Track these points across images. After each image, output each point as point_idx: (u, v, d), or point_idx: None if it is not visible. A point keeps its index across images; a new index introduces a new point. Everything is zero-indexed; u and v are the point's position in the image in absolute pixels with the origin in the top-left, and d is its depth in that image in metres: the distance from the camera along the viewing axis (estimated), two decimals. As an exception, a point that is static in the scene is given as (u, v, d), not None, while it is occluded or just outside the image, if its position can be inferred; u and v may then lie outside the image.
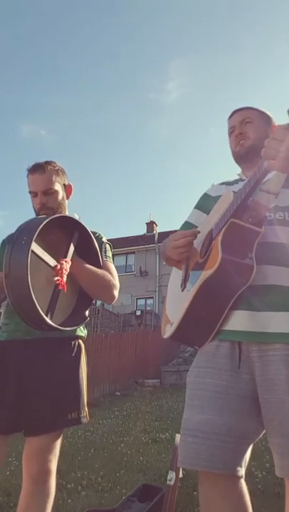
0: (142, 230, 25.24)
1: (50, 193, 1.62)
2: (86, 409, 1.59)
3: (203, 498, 1.12)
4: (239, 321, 1.14)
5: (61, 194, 1.67)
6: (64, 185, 1.69)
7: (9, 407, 1.49)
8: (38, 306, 1.28)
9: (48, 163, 1.64)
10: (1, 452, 1.51)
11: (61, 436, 1.55)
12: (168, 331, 1.27)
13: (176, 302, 1.32)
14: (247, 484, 1.13)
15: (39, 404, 1.48)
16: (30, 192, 1.65)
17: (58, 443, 1.54)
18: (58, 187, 1.65)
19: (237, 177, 1.43)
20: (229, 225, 1.13)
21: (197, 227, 1.44)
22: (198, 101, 48.14)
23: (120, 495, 2.62)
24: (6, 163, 46.10)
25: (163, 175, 46.37)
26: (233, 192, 1.21)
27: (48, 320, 1.33)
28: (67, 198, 1.71)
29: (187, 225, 1.48)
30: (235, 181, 1.41)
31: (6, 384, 1.50)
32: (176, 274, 1.42)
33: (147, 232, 24.04)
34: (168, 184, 46.36)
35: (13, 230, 1.41)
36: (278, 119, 1.42)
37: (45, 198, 1.61)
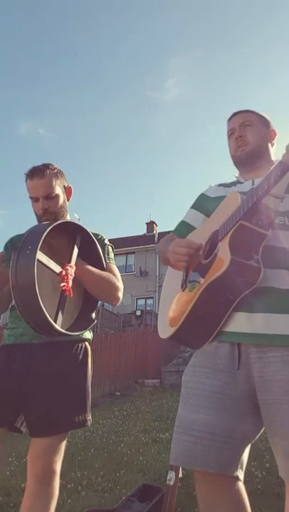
0: (142, 230, 25.26)
1: (51, 197, 1.60)
2: (90, 411, 1.60)
3: (202, 498, 1.12)
4: (239, 322, 1.14)
5: (62, 197, 1.65)
6: (64, 187, 1.67)
7: (13, 409, 1.50)
8: (47, 315, 1.28)
9: (46, 166, 1.61)
10: None
11: (66, 437, 1.56)
12: (167, 331, 1.27)
13: (174, 302, 1.32)
14: (247, 484, 1.13)
15: (46, 407, 1.48)
16: (30, 197, 1.62)
17: (63, 444, 1.54)
18: (58, 190, 1.62)
19: (234, 179, 1.44)
20: (238, 227, 1.13)
21: (194, 227, 1.45)
22: (197, 99, 48.22)
23: (120, 495, 2.62)
24: (4, 162, 46.14)
25: (163, 174, 46.45)
26: (241, 194, 1.21)
27: (57, 327, 1.34)
28: (68, 200, 1.70)
29: (184, 225, 1.48)
30: (233, 183, 1.42)
31: (12, 386, 1.50)
32: (172, 274, 1.43)
33: (147, 232, 24.03)
34: (168, 184, 46.44)
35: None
36: (277, 122, 1.43)
37: (46, 203, 1.59)
